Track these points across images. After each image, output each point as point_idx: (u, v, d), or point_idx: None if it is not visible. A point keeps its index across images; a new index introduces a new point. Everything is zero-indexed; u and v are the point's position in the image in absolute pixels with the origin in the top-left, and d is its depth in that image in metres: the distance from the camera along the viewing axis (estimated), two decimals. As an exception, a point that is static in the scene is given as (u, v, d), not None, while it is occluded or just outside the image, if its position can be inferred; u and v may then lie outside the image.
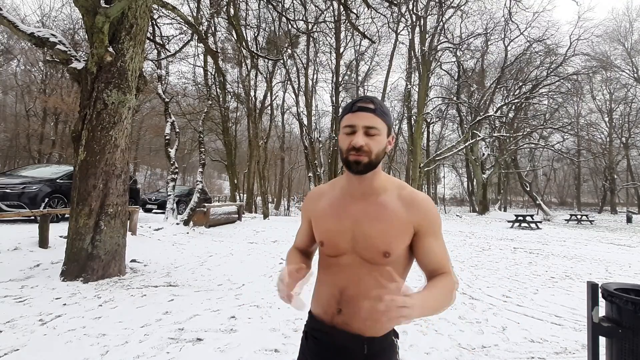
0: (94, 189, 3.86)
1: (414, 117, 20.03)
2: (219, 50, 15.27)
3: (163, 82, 11.69)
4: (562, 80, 20.43)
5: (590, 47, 22.92)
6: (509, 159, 23.64)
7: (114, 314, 2.86)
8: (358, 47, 20.82)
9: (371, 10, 9.80)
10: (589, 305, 1.40)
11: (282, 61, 17.46)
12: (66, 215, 6.62)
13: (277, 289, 0.84)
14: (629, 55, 24.99)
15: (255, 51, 11.94)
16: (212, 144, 26.31)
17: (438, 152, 22.67)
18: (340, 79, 19.07)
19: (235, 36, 13.22)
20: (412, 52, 19.75)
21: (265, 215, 15.50)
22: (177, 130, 10.62)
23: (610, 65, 24.31)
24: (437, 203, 31.96)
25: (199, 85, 17.04)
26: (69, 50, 4.22)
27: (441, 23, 18.96)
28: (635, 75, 24.65)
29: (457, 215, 20.87)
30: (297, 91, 18.80)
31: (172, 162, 9.62)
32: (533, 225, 13.34)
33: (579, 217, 17.31)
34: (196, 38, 9.99)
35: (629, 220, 18.13)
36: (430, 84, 21.40)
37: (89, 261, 3.78)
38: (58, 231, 5.34)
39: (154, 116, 22.99)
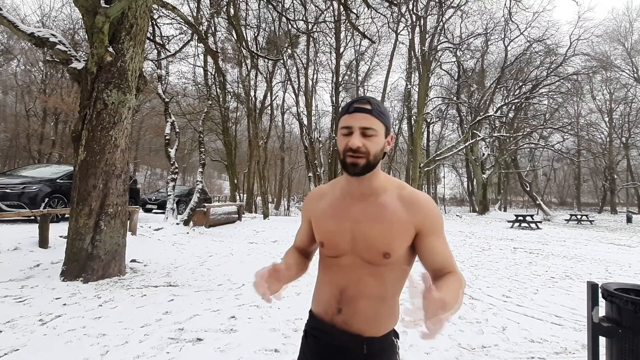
0: (94, 189, 3.86)
1: (414, 117, 20.03)
2: (219, 50, 15.27)
3: (163, 82, 11.69)
4: (562, 80, 20.43)
5: (590, 47, 22.95)
6: (509, 159, 23.65)
7: (114, 314, 2.86)
8: (358, 47, 20.85)
9: (371, 10, 9.80)
10: (589, 305, 1.40)
11: (282, 61, 17.47)
12: (66, 215, 6.62)
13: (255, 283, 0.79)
14: (629, 55, 25.00)
15: (255, 51, 11.94)
16: (212, 144, 26.32)
17: (438, 152, 22.67)
18: (340, 79, 19.08)
19: (235, 36, 13.23)
20: (412, 52, 19.75)
21: (265, 215, 15.50)
22: (177, 130, 10.62)
23: (610, 65, 24.31)
24: (437, 203, 31.88)
25: (199, 85, 17.05)
26: (69, 50, 4.22)
27: (441, 23, 18.97)
28: (635, 75, 24.65)
29: (457, 215, 20.87)
30: (297, 91, 18.82)
31: (172, 162, 9.62)
32: (533, 225, 13.34)
33: (579, 217, 17.31)
34: (196, 38, 9.99)
35: (629, 220, 18.13)
36: (430, 84, 21.40)
37: (89, 261, 3.78)
38: (58, 231, 5.34)
39: (154, 116, 22.99)
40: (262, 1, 12.83)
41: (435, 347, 2.50)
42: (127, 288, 3.63)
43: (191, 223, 9.13)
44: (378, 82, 35.87)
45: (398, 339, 0.93)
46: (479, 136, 20.58)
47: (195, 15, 11.27)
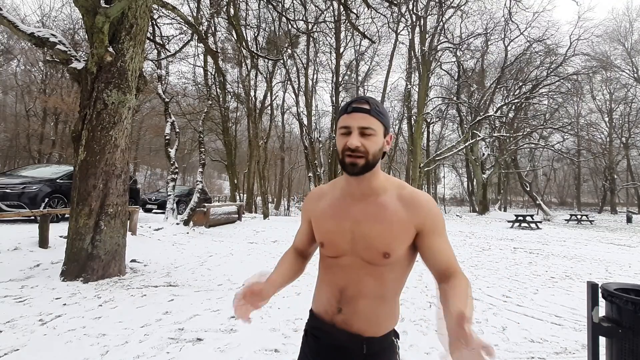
0: (94, 189, 3.86)
1: (414, 117, 20.04)
2: (219, 50, 15.28)
3: (163, 82, 11.68)
4: (562, 80, 20.43)
5: (590, 47, 22.95)
6: (509, 159, 23.65)
7: (114, 314, 2.86)
8: (358, 47, 20.85)
9: (371, 10, 9.80)
10: (589, 305, 1.40)
11: (282, 61, 17.47)
12: (66, 215, 6.62)
13: (235, 302, 0.85)
14: (629, 55, 25.00)
15: (255, 51, 11.94)
16: (212, 144, 26.32)
17: (438, 152, 22.67)
18: (340, 79, 19.08)
19: (235, 36, 13.23)
20: (412, 52, 19.75)
21: (265, 215, 15.50)
22: (177, 130, 10.61)
23: (610, 65, 24.31)
24: (437, 203, 31.88)
25: (199, 85, 17.05)
26: (69, 50, 4.22)
27: (441, 23, 18.97)
28: (635, 75, 24.65)
29: (457, 215, 20.87)
30: (297, 91, 18.81)
31: (172, 162, 9.62)
32: (533, 225, 13.34)
33: (579, 217, 17.31)
34: (196, 38, 10.00)
35: (629, 220, 18.13)
36: (430, 84, 21.40)
37: (89, 261, 3.78)
38: (58, 231, 5.34)
39: (154, 116, 22.99)
40: (262, 1, 12.84)
41: (435, 347, 2.50)
42: (127, 288, 3.63)
43: (191, 223, 9.13)
44: (378, 82, 35.93)
45: (398, 339, 0.93)
46: (479, 136, 20.58)
47: (195, 15, 11.27)
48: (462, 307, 0.67)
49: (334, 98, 19.13)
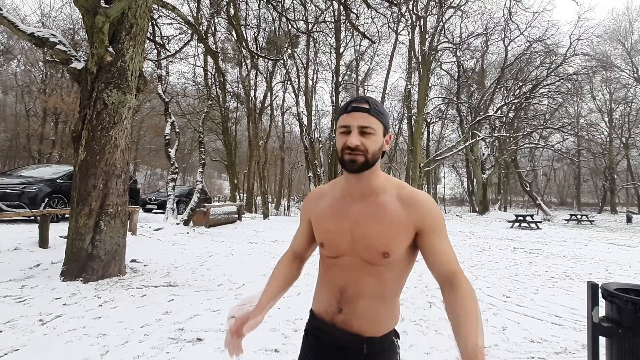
0: (94, 189, 3.86)
1: (414, 117, 20.04)
2: (219, 50, 15.28)
3: (163, 82, 11.69)
4: (562, 80, 20.43)
5: (590, 47, 22.95)
6: (509, 159, 23.65)
7: (114, 314, 2.86)
8: (358, 47, 20.85)
9: (371, 10, 9.80)
10: (589, 305, 1.40)
11: (282, 61, 17.46)
12: (66, 215, 6.63)
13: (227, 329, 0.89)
14: (629, 55, 25.00)
15: (255, 51, 11.94)
16: (212, 144, 26.32)
17: (438, 152, 22.67)
18: (340, 79, 19.07)
19: (235, 36, 13.23)
20: (412, 52, 19.75)
21: (265, 215, 15.50)
22: (177, 130, 10.61)
23: (610, 65, 24.31)
24: (437, 203, 31.88)
25: (199, 85, 17.05)
26: (69, 50, 4.22)
27: (441, 23, 18.97)
28: (635, 75, 24.65)
29: (457, 215, 20.88)
30: (297, 91, 18.81)
31: (172, 162, 9.62)
32: (533, 225, 13.34)
33: (579, 217, 17.31)
34: (196, 38, 10.00)
35: (629, 220, 18.13)
36: (430, 84, 21.40)
37: (89, 261, 3.78)
38: (58, 231, 5.34)
39: (154, 116, 22.99)
40: (262, 1, 12.84)
41: (436, 347, 2.50)
42: (127, 288, 3.63)
43: (191, 223, 9.13)
44: (378, 82, 35.93)
45: (398, 338, 0.93)
46: (479, 136, 20.58)
47: (195, 15, 11.27)
48: (475, 338, 0.68)
49: (334, 98, 19.13)
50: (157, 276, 4.22)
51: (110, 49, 3.98)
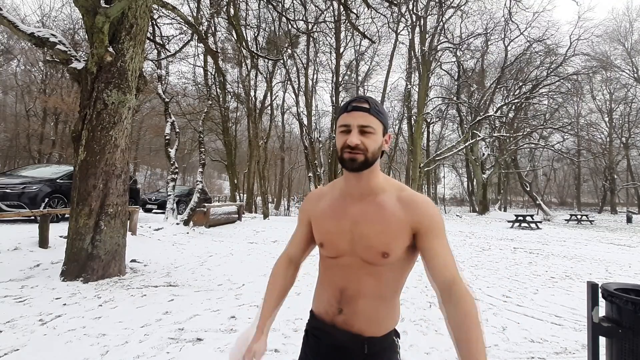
0: (94, 189, 3.86)
1: (414, 117, 20.03)
2: (219, 50, 15.28)
3: (163, 82, 11.69)
4: (562, 80, 20.44)
5: (590, 47, 22.96)
6: (509, 159, 23.65)
7: (114, 314, 2.86)
8: (358, 47, 20.85)
9: (371, 10, 9.80)
10: (589, 305, 1.40)
11: (282, 61, 17.46)
12: (66, 215, 6.62)
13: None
14: (629, 55, 25.00)
15: (255, 51, 11.94)
16: (212, 144, 26.32)
17: (438, 152, 22.67)
18: (340, 79, 19.08)
19: (235, 36, 13.22)
20: (412, 52, 19.75)
21: (265, 215, 15.50)
22: (177, 130, 10.61)
23: (610, 65, 24.31)
24: (437, 203, 31.96)
25: (199, 85, 17.05)
26: (69, 50, 4.22)
27: (441, 23, 18.97)
28: (635, 75, 24.66)
29: (457, 215, 20.87)
30: (297, 91, 18.81)
31: (172, 162, 9.62)
32: (533, 225, 13.34)
33: (579, 217, 17.31)
34: (196, 38, 9.99)
35: (629, 220, 18.13)
36: (430, 84, 21.40)
37: (89, 261, 3.78)
38: (58, 231, 5.34)
39: (154, 116, 22.99)
40: (262, 1, 12.83)
41: (436, 347, 2.50)
42: (127, 288, 3.63)
43: (191, 223, 9.13)
44: (378, 82, 35.93)
45: (399, 338, 0.93)
46: (479, 136, 20.58)
47: (195, 15, 11.27)
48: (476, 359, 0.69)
49: (334, 98, 19.14)
50: (157, 276, 4.22)
51: (110, 49, 3.98)
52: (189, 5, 12.87)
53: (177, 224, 8.57)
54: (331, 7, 15.62)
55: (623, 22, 26.60)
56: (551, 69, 20.32)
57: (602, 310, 1.41)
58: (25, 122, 20.02)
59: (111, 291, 3.48)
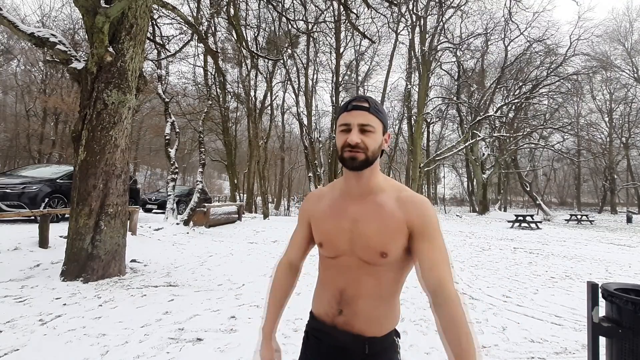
0: (94, 189, 3.86)
1: (414, 117, 20.04)
2: (219, 50, 15.27)
3: (163, 82, 11.69)
4: (562, 80, 20.44)
5: (590, 47, 22.96)
6: (509, 159, 23.65)
7: (114, 314, 2.86)
8: (358, 47, 20.85)
9: (371, 10, 9.80)
10: (589, 305, 1.40)
11: (282, 61, 17.46)
12: (66, 215, 6.62)
13: None
14: (629, 55, 25.00)
15: (255, 51, 11.94)
16: (212, 144, 26.31)
17: (438, 152, 22.67)
18: (340, 79, 19.07)
19: (235, 36, 13.21)
20: (412, 52, 19.76)
21: (265, 215, 15.49)
22: (177, 130, 10.62)
23: (610, 65, 24.31)
24: (437, 203, 32.01)
25: (199, 85, 17.05)
26: (69, 50, 4.22)
27: (441, 23, 18.98)
28: (635, 75, 24.65)
29: (457, 215, 20.87)
30: (297, 91, 18.81)
31: (172, 162, 9.62)
32: (533, 225, 13.34)
33: (579, 217, 17.31)
34: (196, 38, 9.99)
35: (629, 220, 18.13)
36: (430, 84, 21.40)
37: (89, 261, 3.78)
38: (58, 231, 5.34)
39: (154, 116, 22.98)
40: (262, 1, 12.82)
41: (435, 347, 2.50)
42: (127, 288, 3.63)
43: (191, 223, 9.13)
44: (378, 82, 35.90)
45: (399, 338, 0.93)
46: (479, 136, 20.58)
47: (195, 15, 11.27)
48: None
49: (334, 98, 19.13)
50: (157, 276, 4.22)
51: (110, 49, 3.98)
52: (189, 5, 12.88)
53: (177, 224, 8.57)
54: (331, 7, 15.62)
55: (623, 22, 26.64)
56: (551, 69, 20.33)
57: (602, 310, 1.41)
58: (25, 122, 20.02)
59: (111, 291, 3.48)
